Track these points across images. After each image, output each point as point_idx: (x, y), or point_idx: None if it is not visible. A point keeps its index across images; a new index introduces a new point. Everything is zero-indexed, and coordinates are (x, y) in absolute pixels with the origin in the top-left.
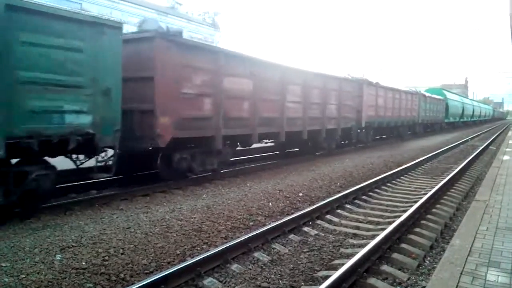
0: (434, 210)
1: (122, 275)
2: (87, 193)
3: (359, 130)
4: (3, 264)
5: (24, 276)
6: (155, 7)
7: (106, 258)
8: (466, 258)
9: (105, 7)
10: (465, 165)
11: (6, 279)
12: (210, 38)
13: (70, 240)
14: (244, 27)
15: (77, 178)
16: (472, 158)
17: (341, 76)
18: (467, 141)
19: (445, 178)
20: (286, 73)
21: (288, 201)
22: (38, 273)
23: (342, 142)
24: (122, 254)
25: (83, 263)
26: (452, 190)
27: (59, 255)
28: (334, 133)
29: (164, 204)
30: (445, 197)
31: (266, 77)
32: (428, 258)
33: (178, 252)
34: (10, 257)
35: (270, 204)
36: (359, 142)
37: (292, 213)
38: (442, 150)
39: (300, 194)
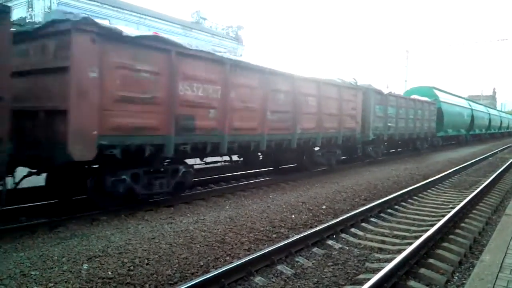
0: (462, 224)
1: (147, 286)
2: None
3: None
4: (33, 273)
5: (52, 285)
6: (180, 22)
7: (132, 268)
8: (497, 275)
9: (133, 23)
10: (494, 178)
11: None
12: (233, 52)
13: (97, 250)
14: (265, 40)
15: None
16: (502, 171)
17: None
18: (496, 153)
19: (473, 191)
20: None
21: (311, 214)
22: (66, 282)
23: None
24: (147, 264)
25: (109, 273)
26: (481, 204)
27: (86, 265)
28: None
29: (188, 215)
30: (474, 211)
31: None
32: (457, 274)
33: (202, 263)
34: (39, 265)
35: (293, 216)
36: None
37: (316, 226)
38: (470, 163)
39: (324, 207)
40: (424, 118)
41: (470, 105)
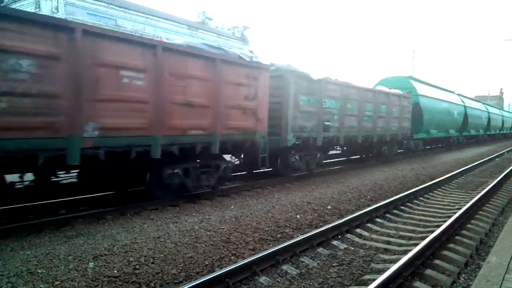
0: (469, 225)
1: (152, 284)
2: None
3: None
4: (39, 271)
5: (58, 283)
6: (187, 22)
7: (137, 267)
8: (504, 276)
9: (139, 23)
10: (501, 179)
11: (42, 286)
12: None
13: (103, 249)
14: (272, 39)
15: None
16: (509, 171)
17: None
18: (503, 154)
19: (480, 192)
20: None
21: (316, 214)
22: (72, 280)
23: None
24: (152, 263)
25: (115, 271)
26: (488, 205)
27: (92, 263)
28: None
29: (193, 214)
30: (481, 212)
31: None
32: (463, 275)
33: (207, 263)
34: (45, 264)
35: (298, 216)
36: None
37: (321, 226)
38: (477, 163)
39: (329, 207)
40: (391, 115)
41: (463, 102)
